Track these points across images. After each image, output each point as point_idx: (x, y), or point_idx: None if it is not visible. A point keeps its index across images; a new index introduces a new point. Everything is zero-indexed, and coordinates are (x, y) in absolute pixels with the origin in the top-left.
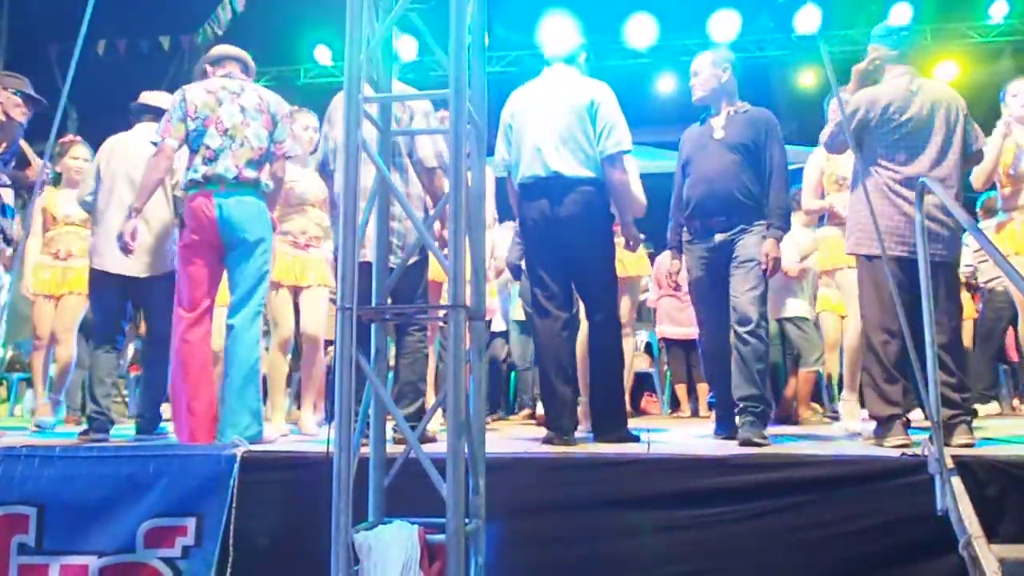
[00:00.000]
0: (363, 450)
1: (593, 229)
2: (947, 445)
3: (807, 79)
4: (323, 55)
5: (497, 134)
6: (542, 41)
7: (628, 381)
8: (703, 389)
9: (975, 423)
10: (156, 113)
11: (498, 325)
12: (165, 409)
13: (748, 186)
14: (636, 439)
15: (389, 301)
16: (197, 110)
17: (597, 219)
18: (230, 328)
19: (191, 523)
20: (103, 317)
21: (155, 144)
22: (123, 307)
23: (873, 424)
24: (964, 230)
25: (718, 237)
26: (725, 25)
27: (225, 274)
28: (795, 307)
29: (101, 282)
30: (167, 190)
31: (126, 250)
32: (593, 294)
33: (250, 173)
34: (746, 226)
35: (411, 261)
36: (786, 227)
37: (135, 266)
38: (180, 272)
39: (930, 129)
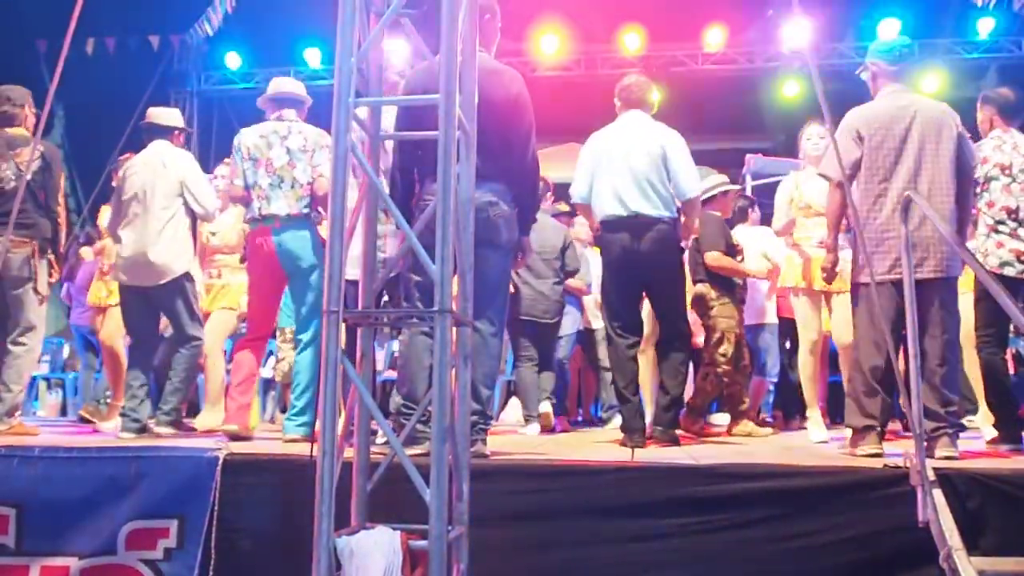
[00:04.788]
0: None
1: (668, 260)
2: (929, 457)
3: (794, 91)
4: (313, 58)
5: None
6: (619, 92)
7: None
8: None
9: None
10: (165, 132)
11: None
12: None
13: None
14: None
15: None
16: (250, 152)
17: (671, 251)
18: (299, 342)
19: (173, 525)
20: (135, 331)
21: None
22: (153, 316)
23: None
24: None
25: None
26: (714, 36)
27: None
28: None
29: (128, 296)
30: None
31: None
32: (667, 314)
33: (302, 210)
34: None
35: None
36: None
37: (149, 277)
38: (248, 300)
39: (922, 147)
